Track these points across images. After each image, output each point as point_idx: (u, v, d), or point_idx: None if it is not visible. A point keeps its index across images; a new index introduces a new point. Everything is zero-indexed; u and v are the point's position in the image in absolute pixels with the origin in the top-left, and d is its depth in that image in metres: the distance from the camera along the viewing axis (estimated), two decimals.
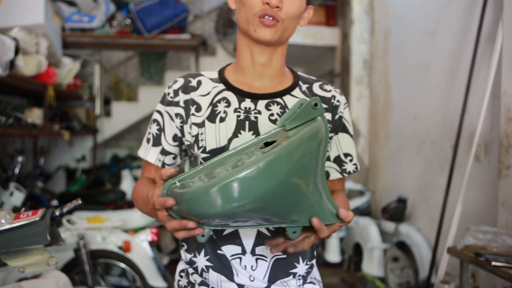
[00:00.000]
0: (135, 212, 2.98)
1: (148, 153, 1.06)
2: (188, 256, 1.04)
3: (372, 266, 3.40)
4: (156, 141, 1.05)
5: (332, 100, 1.05)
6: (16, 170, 3.14)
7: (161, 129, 1.04)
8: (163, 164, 1.06)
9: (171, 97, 1.03)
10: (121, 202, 3.57)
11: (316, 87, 1.07)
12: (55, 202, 3.46)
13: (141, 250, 2.67)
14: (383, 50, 4.06)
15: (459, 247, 1.92)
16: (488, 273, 1.91)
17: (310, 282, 1.05)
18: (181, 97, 1.02)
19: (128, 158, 5.43)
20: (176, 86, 1.04)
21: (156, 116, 1.05)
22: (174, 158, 1.07)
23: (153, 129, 1.06)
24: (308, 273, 1.04)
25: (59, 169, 4.50)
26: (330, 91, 1.07)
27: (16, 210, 1.70)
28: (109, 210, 3.13)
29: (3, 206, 2.78)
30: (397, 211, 3.36)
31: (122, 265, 2.68)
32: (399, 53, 3.75)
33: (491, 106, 2.46)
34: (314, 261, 1.06)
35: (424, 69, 3.30)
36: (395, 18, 3.86)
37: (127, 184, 3.89)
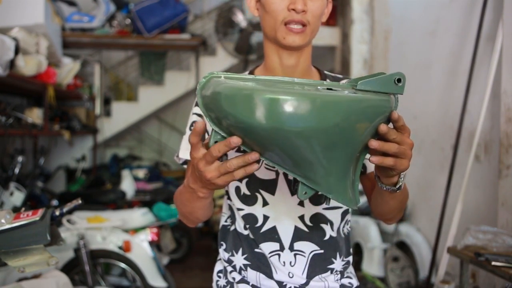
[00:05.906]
0: (135, 212, 2.98)
1: None
2: (226, 255, 1.06)
3: (372, 266, 3.40)
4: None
5: None
6: (16, 170, 3.14)
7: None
8: None
9: None
10: (121, 202, 3.57)
11: None
12: (55, 202, 3.46)
13: (141, 250, 2.67)
14: (383, 50, 4.06)
15: (459, 247, 1.92)
16: (488, 273, 1.91)
17: (347, 277, 1.07)
18: None
19: (128, 158, 5.44)
20: None
21: (195, 118, 1.04)
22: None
23: None
24: (345, 268, 1.06)
25: (59, 169, 4.50)
26: None
27: (16, 210, 1.69)
28: (109, 210, 3.13)
29: (3, 206, 2.78)
30: None
31: (122, 265, 2.68)
32: (399, 53, 3.75)
33: (491, 106, 2.46)
34: (350, 258, 1.08)
35: (424, 69, 3.30)
36: (395, 18, 3.86)
37: (127, 184, 3.89)
